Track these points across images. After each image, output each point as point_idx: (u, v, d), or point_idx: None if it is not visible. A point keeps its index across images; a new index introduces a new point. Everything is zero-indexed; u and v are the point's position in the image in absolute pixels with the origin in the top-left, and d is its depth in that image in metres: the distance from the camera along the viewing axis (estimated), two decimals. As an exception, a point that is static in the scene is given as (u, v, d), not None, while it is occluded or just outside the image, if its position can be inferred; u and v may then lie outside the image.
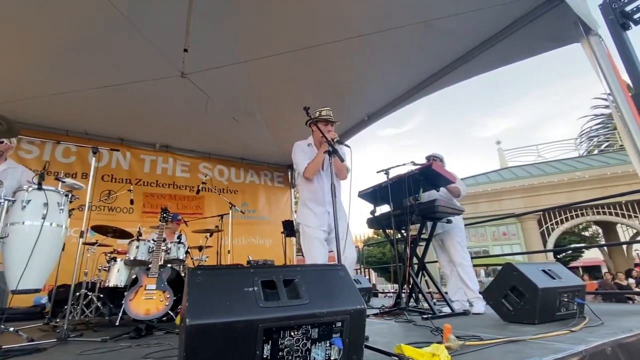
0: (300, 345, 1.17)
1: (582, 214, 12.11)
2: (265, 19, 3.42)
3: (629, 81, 3.03)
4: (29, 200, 2.35)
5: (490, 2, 3.21)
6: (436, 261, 3.75)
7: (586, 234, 18.24)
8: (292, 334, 1.15)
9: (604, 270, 15.37)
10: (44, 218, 2.33)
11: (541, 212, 12.20)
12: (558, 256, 16.60)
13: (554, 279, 2.41)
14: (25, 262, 2.18)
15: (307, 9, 3.30)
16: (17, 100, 4.27)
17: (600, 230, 16.85)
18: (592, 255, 21.45)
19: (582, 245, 17.11)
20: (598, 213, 11.86)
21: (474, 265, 3.58)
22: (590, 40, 2.94)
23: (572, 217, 12.17)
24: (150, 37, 3.48)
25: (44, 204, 2.37)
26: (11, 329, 2.33)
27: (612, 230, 14.70)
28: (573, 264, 19.72)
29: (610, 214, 11.59)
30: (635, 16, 3.08)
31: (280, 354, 1.13)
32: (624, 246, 14.40)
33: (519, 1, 3.19)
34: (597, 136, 21.53)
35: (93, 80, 4.10)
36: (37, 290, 2.33)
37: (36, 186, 2.41)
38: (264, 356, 1.10)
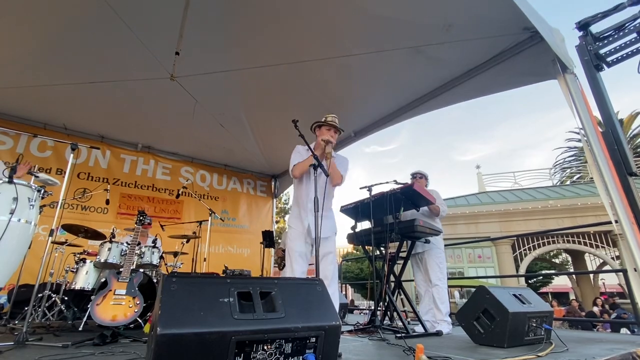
0: (273, 360, 1.16)
1: (553, 242, 12.53)
2: (259, 30, 3.46)
3: (600, 118, 3.22)
4: (-2, 194, 2.25)
5: (477, 35, 3.37)
6: (413, 280, 3.78)
7: (556, 261, 18.86)
8: (265, 347, 1.14)
9: (572, 296, 15.89)
10: (12, 213, 2.23)
11: (515, 237, 12.56)
12: (529, 281, 17.04)
13: (524, 303, 2.48)
14: (-13, 259, 2.07)
15: (300, 24, 3.37)
16: (-4, 88, 4.13)
17: (569, 258, 17.47)
18: (561, 282, 22.17)
19: (552, 272, 17.66)
20: (568, 241, 12.31)
21: (449, 286, 3.63)
22: (566, 77, 3.12)
23: (543, 244, 12.58)
24: (141, 37, 3.45)
25: (13, 199, 2.27)
26: (-36, 329, 2.19)
27: (580, 259, 15.27)
28: (543, 289, 20.30)
29: (579, 243, 12.05)
30: (609, 59, 3.30)
31: (251, 368, 1.11)
32: (591, 275, 14.96)
33: (502, 36, 3.36)
34: (570, 167, 22.52)
35: (78, 74, 4.01)
36: (-3, 289, 2.21)
37: (7, 179, 2.31)
38: (235, 369, 1.08)
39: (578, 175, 21.25)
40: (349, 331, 3.17)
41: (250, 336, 1.10)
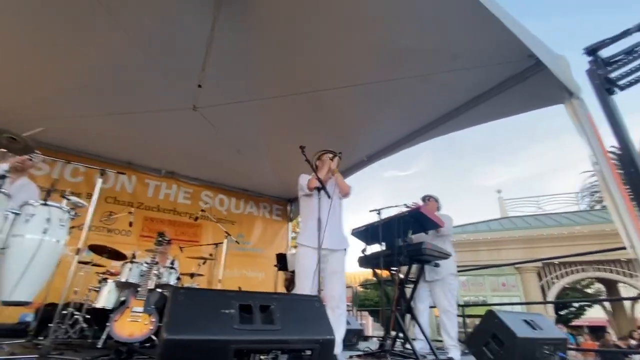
0: (269, 370, 1.23)
1: (583, 270, 11.87)
2: (276, 63, 3.73)
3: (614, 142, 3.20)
4: (33, 215, 2.48)
5: (483, 62, 3.49)
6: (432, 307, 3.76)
7: (589, 291, 17.72)
8: (262, 357, 1.22)
9: (610, 330, 14.81)
10: (44, 232, 2.44)
11: (541, 265, 12.01)
12: (560, 313, 16.03)
13: (534, 329, 2.42)
14: (20, 274, 2.26)
15: (316, 56, 3.61)
16: (36, 119, 4.54)
17: (603, 288, 16.38)
18: (596, 315, 20.64)
19: (577, 299, 16.48)
20: (598, 270, 11.63)
21: (469, 316, 3.59)
22: (573, 102, 3.16)
23: (572, 272, 11.94)
24: (167, 72, 3.79)
25: (46, 219, 2.50)
26: (-5, 341, 2.36)
27: (614, 289, 14.32)
28: (577, 322, 18.96)
29: (611, 271, 11.36)
30: (620, 82, 3.31)
31: (248, 376, 1.19)
32: (628, 306, 13.94)
33: (509, 63, 3.46)
34: (599, 191, 21.53)
35: (108, 106, 4.39)
36: (27, 303, 2.39)
37: (42, 202, 2.55)
38: (233, 377, 1.16)
39: (608, 200, 20.19)
40: (359, 356, 3.14)
41: (248, 345, 1.19)
